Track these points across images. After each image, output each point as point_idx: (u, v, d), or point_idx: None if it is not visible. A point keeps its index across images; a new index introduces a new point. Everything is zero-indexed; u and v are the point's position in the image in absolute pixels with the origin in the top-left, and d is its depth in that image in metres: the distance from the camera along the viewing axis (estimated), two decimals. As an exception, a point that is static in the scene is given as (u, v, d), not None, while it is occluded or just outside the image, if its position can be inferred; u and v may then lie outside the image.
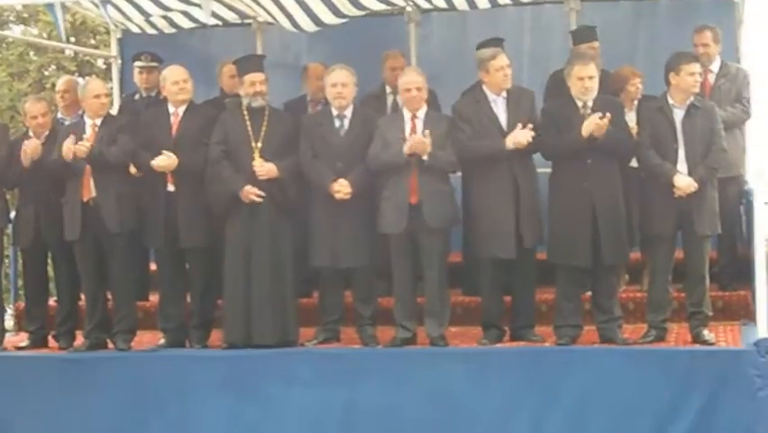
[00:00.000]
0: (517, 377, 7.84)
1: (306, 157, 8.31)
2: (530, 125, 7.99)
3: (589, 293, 8.31)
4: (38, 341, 8.95)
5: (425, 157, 8.00)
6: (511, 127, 8.08)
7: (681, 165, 7.92)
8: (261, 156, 8.30)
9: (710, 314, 8.10)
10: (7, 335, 9.14)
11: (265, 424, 8.09)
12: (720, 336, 8.17)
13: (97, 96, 8.57)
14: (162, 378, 8.23)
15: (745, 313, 8.60)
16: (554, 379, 7.82)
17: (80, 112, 8.94)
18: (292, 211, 8.39)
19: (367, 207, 8.23)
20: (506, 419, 7.83)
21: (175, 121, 8.55)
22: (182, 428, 8.20)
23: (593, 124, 7.82)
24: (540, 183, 8.34)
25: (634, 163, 8.28)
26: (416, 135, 8.04)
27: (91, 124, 8.57)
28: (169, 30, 10.76)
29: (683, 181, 7.85)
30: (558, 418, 7.78)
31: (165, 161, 8.32)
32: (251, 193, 8.20)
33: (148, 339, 8.74)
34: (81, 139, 8.39)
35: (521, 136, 7.98)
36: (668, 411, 7.64)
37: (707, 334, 7.96)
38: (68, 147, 8.29)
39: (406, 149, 7.99)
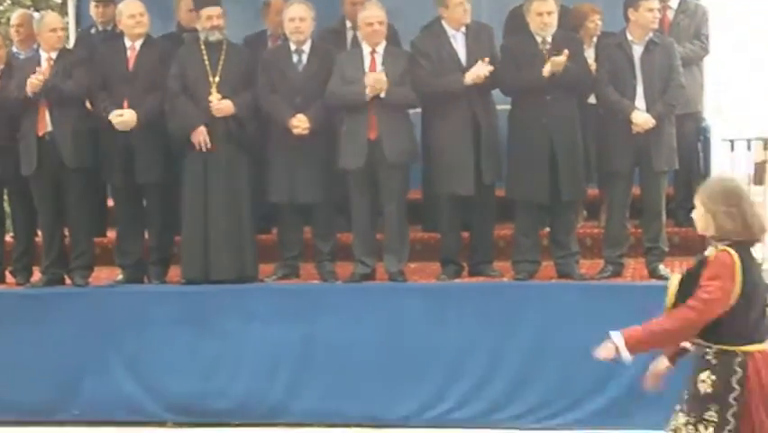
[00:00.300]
0: (476, 312, 7.90)
1: (264, 92, 8.26)
2: (488, 60, 7.97)
3: (547, 229, 8.35)
4: (-6, 277, 8.92)
5: (382, 95, 7.97)
6: (470, 63, 8.06)
7: (640, 101, 7.93)
8: (219, 91, 8.24)
9: (666, 249, 8.16)
10: (-37, 271, 9.10)
11: (224, 359, 8.12)
12: (676, 271, 8.21)
13: (53, 30, 8.46)
14: (120, 313, 8.24)
15: (701, 248, 8.53)
16: (512, 313, 7.89)
17: (35, 46, 8.82)
18: (250, 147, 8.35)
19: (325, 142, 8.21)
20: (464, 353, 7.91)
21: (131, 55, 8.45)
22: (140, 363, 8.22)
23: (552, 63, 7.81)
24: (500, 120, 8.33)
25: (592, 100, 8.30)
26: (374, 73, 8.00)
27: (47, 58, 8.47)
28: (125, -37, 10.60)
29: (641, 118, 7.87)
30: (516, 351, 7.86)
31: (124, 117, 8.24)
32: (202, 136, 8.15)
33: (106, 275, 8.71)
34: (36, 73, 8.29)
35: (479, 70, 7.96)
36: (625, 346, 7.71)
37: (663, 269, 8.02)
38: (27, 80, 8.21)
39: (367, 89, 7.96)
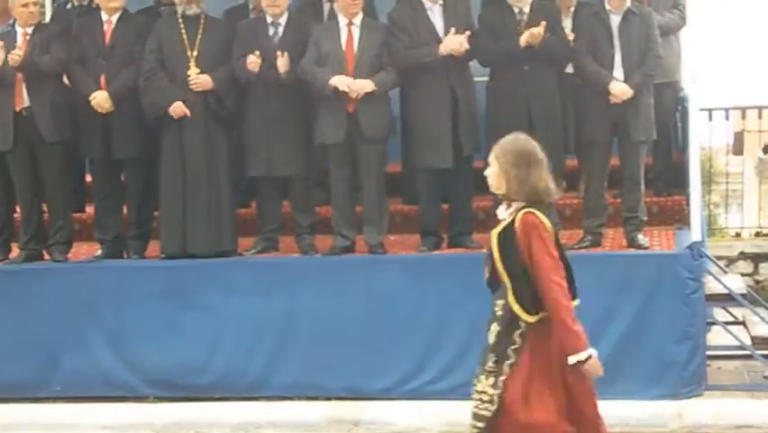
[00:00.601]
0: (455, 283, 7.89)
1: (238, 64, 8.20)
2: (466, 33, 7.95)
3: (526, 200, 8.34)
4: (-28, 253, 8.88)
5: (370, 89, 7.92)
6: (447, 35, 8.03)
7: (618, 71, 7.93)
8: (197, 65, 8.21)
9: (645, 219, 8.19)
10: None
11: (204, 333, 8.12)
12: (655, 241, 8.28)
13: (25, 5, 8.40)
14: (100, 289, 8.24)
15: (680, 218, 8.70)
16: (492, 284, 7.88)
17: (11, 21, 8.76)
18: (228, 121, 8.33)
19: (303, 115, 8.19)
20: (444, 324, 7.92)
21: (108, 29, 8.42)
22: (120, 338, 8.22)
23: (529, 34, 7.81)
24: (478, 92, 8.32)
25: (570, 69, 8.30)
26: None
27: (22, 33, 8.42)
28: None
29: (619, 88, 7.87)
30: (495, 323, 7.85)
31: (97, 99, 8.23)
32: (180, 109, 8.12)
33: (85, 251, 8.70)
34: (12, 48, 8.24)
35: (454, 42, 7.94)
36: (604, 315, 7.73)
37: (641, 238, 8.05)
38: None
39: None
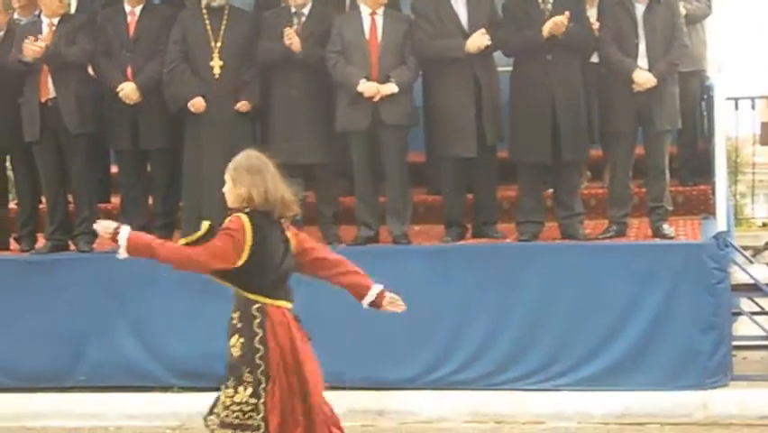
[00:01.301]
0: (480, 273, 7.91)
1: (262, 50, 8.22)
2: (483, 29, 7.93)
3: (551, 190, 8.33)
4: (-1, 244, 8.93)
5: (394, 89, 7.93)
6: (472, 24, 8.03)
7: (642, 60, 7.90)
8: (221, 57, 8.21)
9: (670, 208, 8.15)
10: (-33, 238, 9.10)
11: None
12: (680, 230, 8.25)
13: (53, -4, 8.43)
14: (125, 278, 8.21)
15: (705, 207, 8.67)
16: (516, 274, 7.88)
17: (37, 12, 8.80)
18: (254, 115, 8.34)
19: (326, 104, 8.19)
20: (469, 314, 7.91)
21: (132, 21, 8.46)
22: (145, 327, 8.25)
23: (552, 24, 7.78)
24: (502, 82, 8.30)
25: (595, 59, 8.26)
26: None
27: (48, 24, 8.46)
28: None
29: (643, 77, 7.83)
30: (520, 312, 7.86)
31: (125, 91, 8.27)
32: (199, 104, 8.14)
33: (109, 241, 8.69)
34: (37, 39, 8.28)
35: (479, 41, 7.92)
36: (629, 305, 7.74)
37: (667, 228, 8.01)
38: (27, 46, 8.20)
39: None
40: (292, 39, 7.99)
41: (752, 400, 7.47)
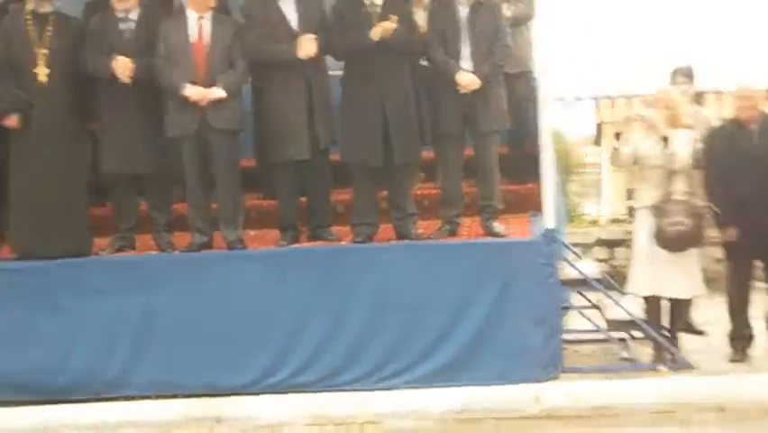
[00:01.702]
0: (315, 276, 7.91)
1: (91, 56, 8.09)
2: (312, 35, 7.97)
3: (385, 191, 8.40)
4: None
5: (221, 93, 7.88)
6: (301, 27, 8.03)
7: (467, 62, 8.02)
8: (47, 65, 8.04)
9: (500, 207, 8.30)
10: None
11: (61, 334, 7.95)
12: (511, 228, 8.38)
13: None
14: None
15: (535, 205, 8.83)
16: (352, 275, 7.92)
17: None
18: (85, 118, 8.21)
19: (156, 111, 8.09)
20: (305, 317, 7.91)
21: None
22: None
23: (381, 29, 7.85)
24: (334, 85, 8.33)
25: (424, 61, 8.36)
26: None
27: None
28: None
29: (466, 78, 7.96)
30: (356, 313, 7.90)
31: None
32: (12, 122, 7.98)
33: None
34: None
35: (308, 48, 7.95)
36: (463, 302, 7.84)
37: (497, 226, 8.16)
38: None
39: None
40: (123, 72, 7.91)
41: (582, 391, 7.64)
